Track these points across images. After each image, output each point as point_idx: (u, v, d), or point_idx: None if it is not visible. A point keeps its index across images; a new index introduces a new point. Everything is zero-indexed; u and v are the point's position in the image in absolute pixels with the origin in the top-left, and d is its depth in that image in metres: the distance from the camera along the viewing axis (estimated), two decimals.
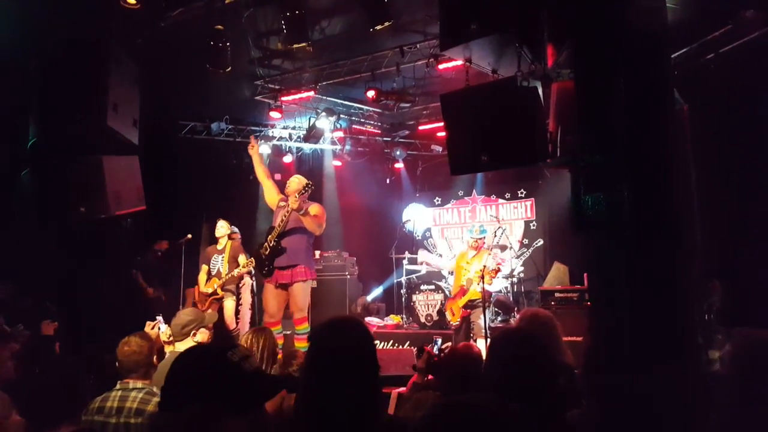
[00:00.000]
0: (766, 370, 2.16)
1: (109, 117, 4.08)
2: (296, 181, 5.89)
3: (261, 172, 6.21)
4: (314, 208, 5.85)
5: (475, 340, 6.19)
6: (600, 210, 2.57)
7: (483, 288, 6.24)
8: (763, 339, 2.27)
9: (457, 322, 6.75)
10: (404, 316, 8.23)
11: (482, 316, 6.21)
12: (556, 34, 3.79)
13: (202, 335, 3.59)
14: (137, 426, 2.66)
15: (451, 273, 8.03)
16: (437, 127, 8.80)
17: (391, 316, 8.69)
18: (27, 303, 4.72)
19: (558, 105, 3.83)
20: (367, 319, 8.18)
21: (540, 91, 3.78)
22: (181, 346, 3.51)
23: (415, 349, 6.60)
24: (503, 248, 8.22)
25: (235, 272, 6.86)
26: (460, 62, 6.04)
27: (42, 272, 4.88)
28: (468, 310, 6.63)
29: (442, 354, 3.17)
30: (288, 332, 6.26)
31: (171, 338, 3.49)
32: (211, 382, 1.30)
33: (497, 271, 6.44)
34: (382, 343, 7.34)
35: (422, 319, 7.98)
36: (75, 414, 2.38)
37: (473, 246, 6.89)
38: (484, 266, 6.33)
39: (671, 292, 2.44)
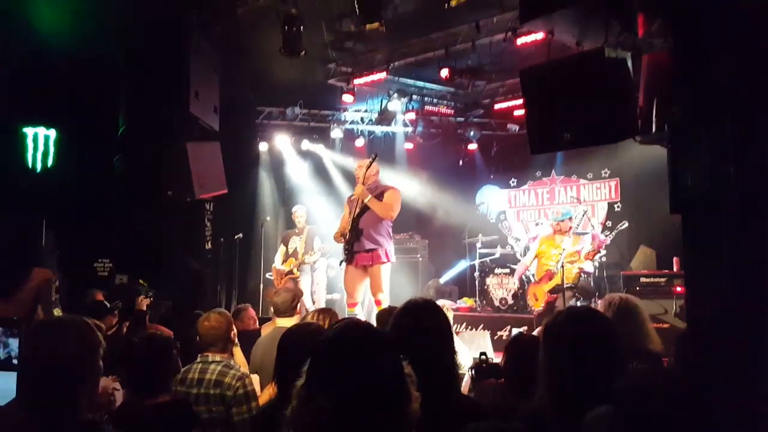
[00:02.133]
0: None
1: (191, 104, 4.22)
2: (361, 168, 5.86)
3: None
4: (389, 194, 5.78)
5: None
6: (702, 188, 2.37)
7: (580, 269, 6.13)
8: None
9: (541, 307, 6.57)
10: (477, 299, 8.11)
11: (566, 303, 6.03)
12: (647, 1, 3.54)
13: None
14: (215, 396, 2.80)
15: (524, 255, 7.84)
16: (514, 106, 8.51)
17: (464, 298, 8.60)
18: (123, 280, 5.04)
19: (649, 77, 3.59)
20: (440, 301, 8.12)
21: (629, 63, 3.55)
22: (288, 322, 3.59)
23: (488, 333, 6.54)
24: (584, 234, 7.92)
25: (307, 258, 7.01)
26: (540, 36, 5.80)
27: (134, 251, 5.19)
28: (555, 295, 6.44)
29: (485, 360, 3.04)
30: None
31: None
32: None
33: (596, 252, 6.25)
34: (456, 326, 7.28)
35: (496, 303, 7.85)
36: (169, 384, 2.50)
37: (558, 229, 6.67)
38: (577, 250, 6.17)
39: None
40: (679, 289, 6.08)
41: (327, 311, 3.50)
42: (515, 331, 6.56)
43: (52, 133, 5.02)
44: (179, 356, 2.69)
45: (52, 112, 4.97)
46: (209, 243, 5.86)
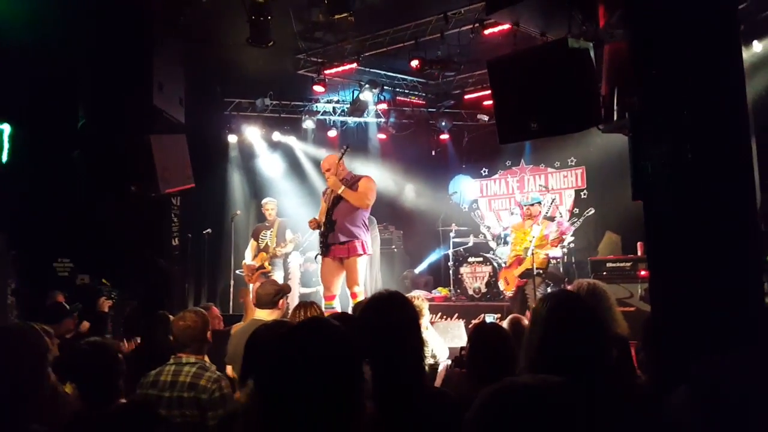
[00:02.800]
0: None
1: (155, 96, 4.13)
2: (329, 160, 5.80)
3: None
4: (362, 183, 5.74)
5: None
6: (662, 175, 2.42)
7: (546, 255, 6.17)
8: None
9: (512, 291, 6.66)
10: (452, 288, 8.17)
11: (536, 288, 6.12)
12: None
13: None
14: (190, 400, 2.68)
15: (505, 243, 7.92)
16: (483, 96, 8.58)
17: (439, 288, 8.65)
18: (85, 280, 4.90)
19: (611, 67, 3.64)
20: (415, 292, 8.16)
21: (591, 53, 3.59)
22: (267, 315, 3.55)
23: (462, 322, 6.61)
24: (552, 219, 8.03)
25: (279, 251, 6.95)
26: (506, 26, 5.84)
27: (96, 250, 5.06)
28: (524, 280, 6.52)
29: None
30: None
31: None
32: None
33: (560, 240, 6.32)
34: (431, 315, 7.31)
35: (470, 292, 7.90)
36: (120, 387, 2.42)
37: (528, 215, 6.76)
38: (544, 234, 6.24)
39: (741, 260, 2.28)
40: (643, 273, 6.22)
41: (307, 305, 3.44)
42: (488, 318, 6.63)
43: (6, 127, 4.83)
44: (143, 358, 2.60)
45: (6, 105, 4.77)
46: (176, 239, 5.74)
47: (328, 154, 5.98)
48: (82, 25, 4.32)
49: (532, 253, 6.27)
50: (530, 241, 6.43)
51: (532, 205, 6.87)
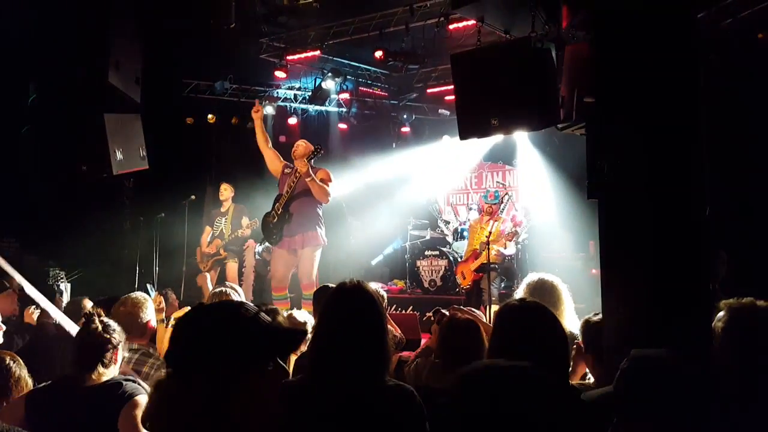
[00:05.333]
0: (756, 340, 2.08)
1: (110, 74, 3.98)
2: (303, 146, 5.77)
3: (262, 139, 6.07)
4: (321, 173, 5.73)
5: (486, 307, 6.19)
6: (616, 175, 2.49)
7: (498, 251, 6.27)
8: (754, 309, 2.19)
9: (468, 286, 6.77)
10: (408, 281, 8.24)
11: (490, 283, 6.22)
12: None
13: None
14: None
15: (462, 237, 8.02)
16: (445, 91, 8.65)
17: (395, 280, 8.71)
18: (32, 261, 4.70)
19: (571, 68, 3.72)
20: (371, 283, 8.18)
21: (553, 53, 3.66)
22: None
23: (418, 314, 6.68)
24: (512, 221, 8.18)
25: (238, 233, 6.85)
26: (471, 22, 5.88)
27: (44, 230, 4.85)
28: (480, 274, 6.63)
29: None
30: (293, 295, 6.22)
31: (161, 305, 3.34)
32: (228, 337, 1.17)
33: (514, 234, 6.44)
34: (386, 308, 7.36)
35: (426, 285, 7.99)
36: None
37: (487, 211, 6.87)
38: (500, 230, 6.33)
39: (691, 260, 2.37)
40: (594, 271, 6.40)
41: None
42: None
43: None
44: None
45: None
46: (128, 223, 5.56)
47: (301, 141, 5.93)
48: None
49: (488, 244, 6.36)
50: (486, 237, 6.53)
51: (495, 203, 6.98)
